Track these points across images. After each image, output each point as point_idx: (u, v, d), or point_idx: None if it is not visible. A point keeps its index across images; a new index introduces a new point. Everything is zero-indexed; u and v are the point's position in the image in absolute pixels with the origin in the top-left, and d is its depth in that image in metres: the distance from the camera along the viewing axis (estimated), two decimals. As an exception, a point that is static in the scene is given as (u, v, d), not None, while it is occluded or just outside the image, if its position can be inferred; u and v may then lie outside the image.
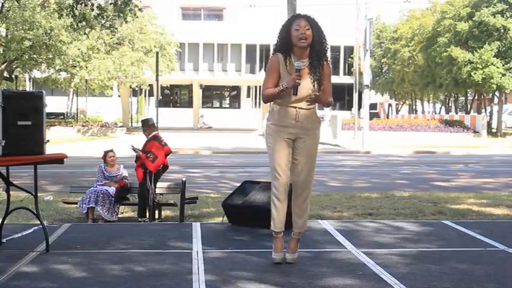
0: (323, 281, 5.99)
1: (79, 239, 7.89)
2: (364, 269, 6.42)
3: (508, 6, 43.47)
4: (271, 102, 6.65)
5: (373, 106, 60.79)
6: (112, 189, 11.85)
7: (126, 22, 25.07)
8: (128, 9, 21.50)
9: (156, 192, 11.85)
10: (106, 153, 12.41)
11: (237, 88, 71.87)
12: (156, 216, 11.77)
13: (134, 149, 11.80)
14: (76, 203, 12.14)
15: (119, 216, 12.07)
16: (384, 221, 9.65)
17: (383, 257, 6.93)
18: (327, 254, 7.09)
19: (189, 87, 66.61)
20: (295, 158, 6.59)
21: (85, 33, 30.10)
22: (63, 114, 56.35)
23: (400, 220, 10.36)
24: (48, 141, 7.19)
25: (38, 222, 7.34)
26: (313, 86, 6.45)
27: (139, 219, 11.60)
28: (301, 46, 6.39)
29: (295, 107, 6.46)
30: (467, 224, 9.21)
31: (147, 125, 12.08)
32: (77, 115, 52.58)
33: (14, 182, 7.39)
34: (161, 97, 57.60)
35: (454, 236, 8.25)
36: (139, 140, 14.09)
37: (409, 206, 13.03)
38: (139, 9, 23.10)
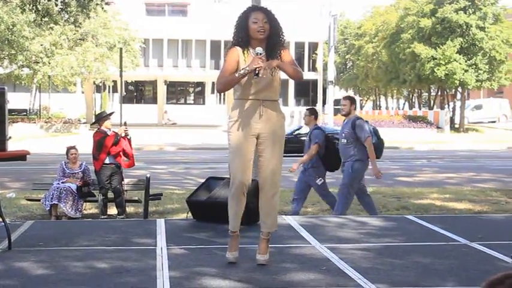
0: (287, 276, 6.00)
1: (42, 236, 7.82)
2: (328, 264, 6.43)
3: (470, 3, 43.89)
4: (234, 99, 6.54)
5: (337, 102, 60.79)
6: (75, 186, 11.77)
7: (89, 18, 24.89)
8: (94, 4, 21.33)
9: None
10: (68, 149, 12.33)
11: (201, 84, 71.63)
12: (117, 213, 11.76)
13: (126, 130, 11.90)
14: (39, 200, 12.06)
15: (83, 212, 12.01)
16: (348, 217, 9.70)
17: (347, 252, 6.95)
18: (291, 250, 7.09)
19: (153, 83, 66.31)
20: (260, 154, 6.42)
21: (50, 28, 29.84)
22: (25, 110, 55.69)
23: (364, 215, 10.44)
24: (10, 137, 7.12)
25: (0, 219, 7.26)
26: (272, 75, 6.31)
27: (119, 217, 11.55)
28: (260, 38, 6.31)
29: (257, 99, 6.30)
30: (430, 218, 9.30)
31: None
32: (39, 111, 52.06)
33: (-25, 179, 7.30)
34: (125, 93, 57.28)
35: (417, 231, 8.30)
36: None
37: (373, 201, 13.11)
38: (106, 3, 22.91)
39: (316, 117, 11.24)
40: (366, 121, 10.79)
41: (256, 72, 6.12)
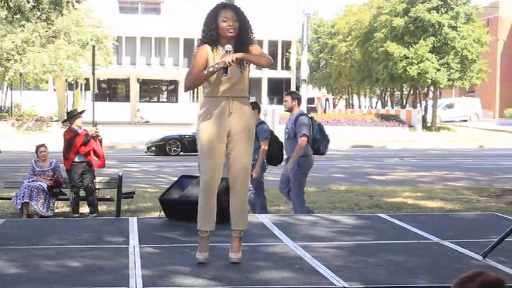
0: (260, 274, 6.00)
1: (13, 235, 7.76)
2: (300, 263, 6.43)
3: (442, 3, 44.19)
4: (203, 97, 6.48)
5: (310, 101, 61.13)
6: (46, 185, 11.68)
7: (62, 15, 24.74)
8: (66, 1, 21.20)
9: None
10: (38, 147, 12.26)
11: (174, 82, 71.45)
12: (89, 211, 11.70)
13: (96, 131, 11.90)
14: (10, 199, 11.97)
15: (55, 211, 11.93)
16: (320, 215, 9.72)
17: (320, 250, 6.96)
18: (264, 248, 7.09)
19: (126, 81, 66.07)
20: (230, 152, 6.37)
21: (22, 25, 29.57)
22: (-4, 108, 55.31)
23: (336, 213, 10.48)
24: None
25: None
26: (241, 72, 6.30)
27: (91, 215, 11.47)
28: (229, 37, 6.27)
29: (227, 96, 6.28)
30: (402, 217, 9.32)
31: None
32: (11, 109, 51.64)
33: None
34: (98, 91, 57.02)
35: (389, 229, 8.33)
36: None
37: (345, 199, 13.19)
38: (77, 1, 22.77)
39: (259, 112, 11.16)
40: (311, 117, 10.69)
41: (226, 68, 6.10)
